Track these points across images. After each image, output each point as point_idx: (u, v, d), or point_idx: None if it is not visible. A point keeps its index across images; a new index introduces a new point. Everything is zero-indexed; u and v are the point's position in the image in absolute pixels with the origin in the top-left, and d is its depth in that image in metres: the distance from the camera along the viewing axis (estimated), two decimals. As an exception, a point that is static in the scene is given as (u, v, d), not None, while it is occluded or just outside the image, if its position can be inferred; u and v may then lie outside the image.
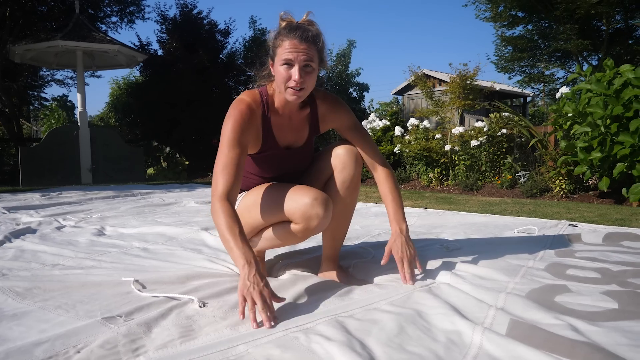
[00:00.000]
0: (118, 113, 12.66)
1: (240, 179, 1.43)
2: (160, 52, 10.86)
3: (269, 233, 1.59)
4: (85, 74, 9.36)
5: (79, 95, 8.60)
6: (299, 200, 1.45)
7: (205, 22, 11.00)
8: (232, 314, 1.30)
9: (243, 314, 1.21)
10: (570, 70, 9.43)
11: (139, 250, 2.24)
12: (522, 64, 9.47)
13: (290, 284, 1.58)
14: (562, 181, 5.10)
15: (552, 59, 9.51)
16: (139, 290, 1.53)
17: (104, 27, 11.26)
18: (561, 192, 5.09)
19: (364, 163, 1.70)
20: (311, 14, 1.51)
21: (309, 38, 1.41)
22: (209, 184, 7.92)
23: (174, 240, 2.52)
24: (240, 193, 1.68)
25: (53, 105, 12.48)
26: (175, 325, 1.22)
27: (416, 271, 1.62)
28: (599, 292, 1.41)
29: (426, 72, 11.75)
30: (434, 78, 13.29)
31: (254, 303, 1.20)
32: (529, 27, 9.63)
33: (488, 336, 1.05)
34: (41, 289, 1.54)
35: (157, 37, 10.95)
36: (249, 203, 1.59)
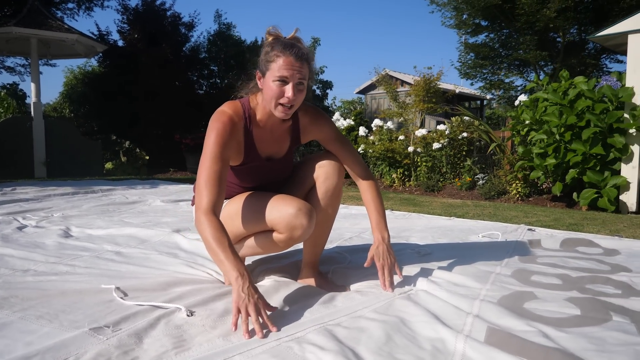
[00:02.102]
0: (73, 104, 12.18)
1: (223, 191, 1.44)
2: (120, 43, 10.52)
3: (251, 241, 1.62)
4: (39, 62, 8.94)
5: (33, 85, 8.22)
6: (284, 210, 1.49)
7: (168, 14, 10.75)
8: (222, 322, 1.32)
9: (236, 325, 1.24)
10: (528, 78, 9.90)
11: (112, 254, 2.20)
12: (483, 71, 9.86)
13: (274, 290, 1.61)
14: (519, 184, 5.36)
15: (512, 67, 9.95)
16: (121, 298, 1.52)
17: (59, 14, 10.80)
18: (517, 195, 5.34)
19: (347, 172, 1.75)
20: (299, 31, 1.54)
21: (304, 56, 1.44)
22: (171, 180, 7.78)
23: (146, 243, 2.49)
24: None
25: (2, 93, 11.85)
26: (166, 335, 1.23)
27: (396, 278, 1.69)
28: (562, 299, 1.52)
29: (390, 73, 11.95)
30: (397, 79, 13.53)
31: (247, 315, 1.23)
32: (491, 35, 10.03)
33: (470, 344, 1.13)
34: (18, 297, 1.51)
35: (118, 27, 10.61)
36: (232, 212, 1.61)
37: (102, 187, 5.65)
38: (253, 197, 1.59)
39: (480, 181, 6.04)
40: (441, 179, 6.60)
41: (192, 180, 7.72)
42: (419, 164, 6.87)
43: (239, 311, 1.24)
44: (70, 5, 10.99)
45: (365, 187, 1.74)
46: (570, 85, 4.80)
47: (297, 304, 1.51)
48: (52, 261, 2.03)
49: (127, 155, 9.98)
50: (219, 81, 12.03)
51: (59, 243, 2.44)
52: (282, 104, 1.45)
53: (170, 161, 10.00)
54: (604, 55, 9.75)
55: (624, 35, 4.48)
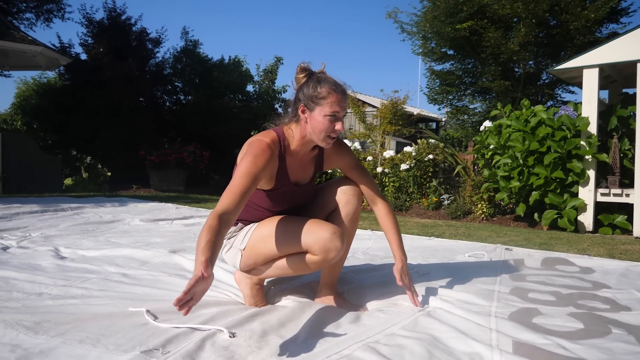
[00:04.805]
0: (26, 116, 11.68)
1: (241, 206, 1.48)
2: (83, 56, 10.25)
3: (282, 262, 1.69)
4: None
5: (-12, 97, 7.87)
6: (319, 234, 1.58)
7: (134, 29, 10.60)
8: (265, 343, 1.39)
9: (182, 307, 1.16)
10: (490, 105, 10.53)
11: (119, 277, 2.20)
12: (450, 97, 10.39)
13: (300, 311, 1.69)
14: (484, 205, 5.66)
15: (475, 94, 10.55)
16: (154, 320, 1.55)
17: (16, 23, 10.42)
18: (482, 215, 5.64)
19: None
20: (325, 66, 1.69)
21: (345, 92, 1.62)
22: (137, 197, 7.61)
23: (148, 264, 2.49)
24: (250, 224, 1.76)
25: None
26: (218, 356, 1.28)
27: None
28: (565, 314, 1.69)
29: (357, 95, 12.24)
30: (359, 100, 13.86)
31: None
32: (456, 64, 10.61)
33: (505, 357, 1.25)
34: (51, 322, 1.50)
35: (81, 39, 10.33)
36: (264, 234, 1.68)
37: (70, 204, 5.47)
38: (285, 220, 1.67)
39: (446, 201, 6.32)
40: (408, 199, 6.84)
41: (158, 198, 7.57)
42: (387, 184, 7.09)
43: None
44: (28, 15, 10.63)
45: (383, 212, 1.86)
46: (531, 114, 5.17)
47: (327, 322, 1.59)
48: (61, 284, 2.01)
49: (89, 171, 9.66)
50: (182, 97, 11.93)
51: (57, 265, 2.40)
52: (330, 136, 1.59)
53: (133, 178, 9.77)
54: (558, 87, 10.56)
55: (579, 69, 4.89)
